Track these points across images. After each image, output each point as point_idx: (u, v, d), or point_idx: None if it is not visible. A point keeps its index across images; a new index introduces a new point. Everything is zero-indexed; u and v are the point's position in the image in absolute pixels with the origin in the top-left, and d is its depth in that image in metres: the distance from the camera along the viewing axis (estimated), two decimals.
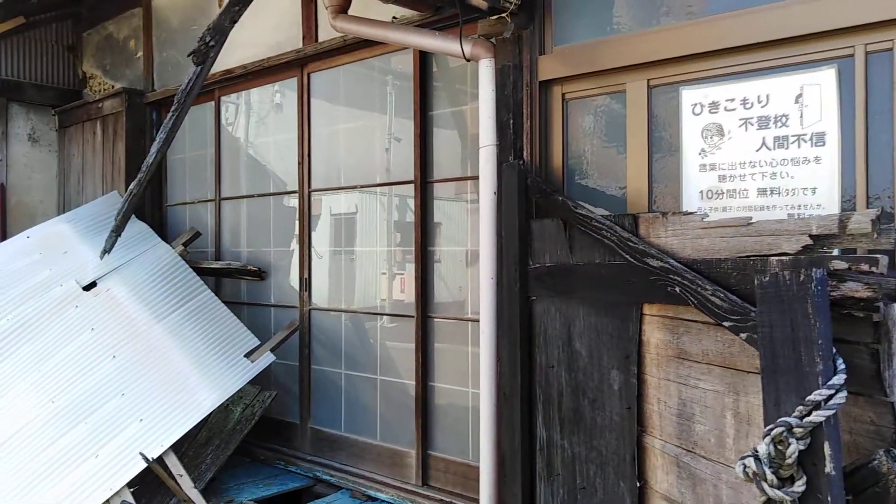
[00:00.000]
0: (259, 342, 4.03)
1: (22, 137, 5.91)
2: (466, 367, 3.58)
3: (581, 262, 2.44)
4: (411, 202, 3.86)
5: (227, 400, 3.81)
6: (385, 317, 4.03)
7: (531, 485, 2.65)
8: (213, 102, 5.00)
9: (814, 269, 1.41)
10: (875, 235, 1.54)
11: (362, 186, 4.16)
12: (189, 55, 3.16)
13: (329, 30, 3.78)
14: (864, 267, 1.49)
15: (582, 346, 2.44)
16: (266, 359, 3.89)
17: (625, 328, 2.25)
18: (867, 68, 2.27)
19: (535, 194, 2.73)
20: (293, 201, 4.49)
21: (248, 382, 3.87)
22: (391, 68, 4.00)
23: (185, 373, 3.76)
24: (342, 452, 4.10)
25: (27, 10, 5.57)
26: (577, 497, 2.44)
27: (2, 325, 3.87)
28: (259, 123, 4.86)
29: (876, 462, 1.38)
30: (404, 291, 3.97)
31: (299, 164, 4.40)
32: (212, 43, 3.13)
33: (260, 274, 4.53)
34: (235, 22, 3.10)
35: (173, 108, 3.37)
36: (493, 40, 3.02)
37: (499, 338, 2.85)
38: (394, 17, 3.72)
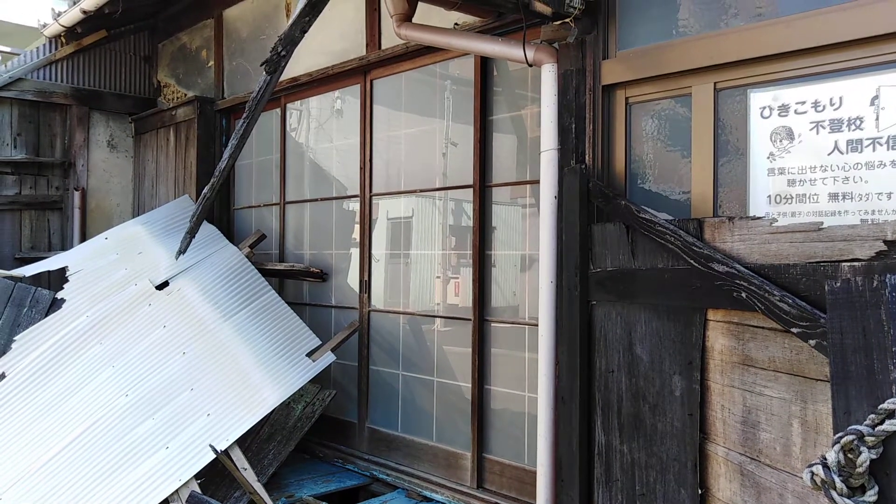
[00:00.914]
0: (320, 342, 4.14)
1: (101, 144, 6.25)
2: (523, 371, 3.59)
3: (643, 266, 2.42)
4: (467, 206, 3.90)
5: (289, 397, 3.93)
6: (442, 319, 4.08)
7: (588, 490, 2.64)
8: (279, 109, 5.18)
9: (888, 275, 1.38)
10: None
11: (421, 191, 4.23)
12: (261, 65, 3.29)
13: (392, 37, 3.88)
14: None
15: (643, 350, 2.42)
16: (327, 358, 4.00)
17: (688, 333, 2.22)
18: None
19: (596, 198, 2.73)
20: (353, 205, 4.60)
21: (308, 381, 3.98)
22: (451, 74, 4.06)
23: (249, 370, 3.90)
24: (398, 452, 4.17)
25: (109, 24, 5.91)
26: (636, 503, 2.42)
27: (81, 321, 4.11)
28: (322, 129, 5.00)
29: None
30: (458, 295, 4.01)
31: (361, 168, 4.51)
32: (283, 52, 3.25)
33: (322, 276, 4.65)
34: (305, 32, 3.21)
35: (244, 115, 3.51)
36: (555, 45, 3.04)
37: (557, 342, 2.86)
38: (455, 24, 3.79)
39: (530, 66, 3.08)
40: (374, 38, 4.40)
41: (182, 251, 3.72)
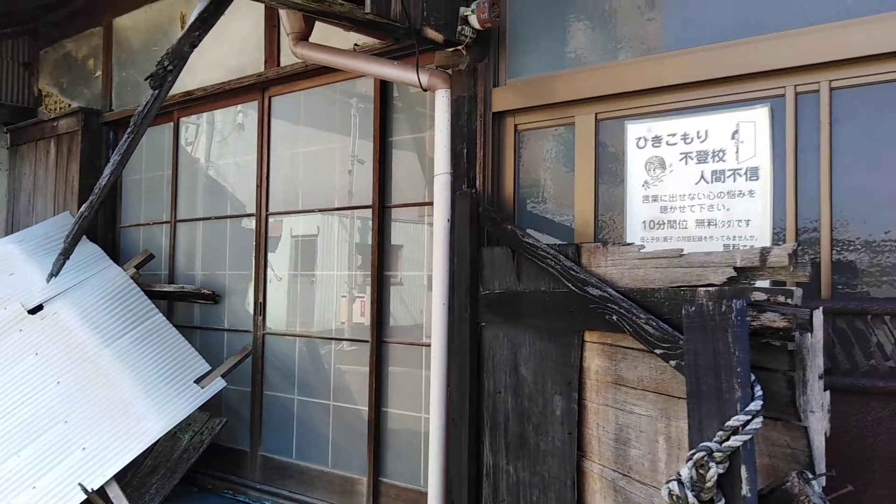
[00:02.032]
0: (210, 367, 3.97)
1: None
2: (421, 393, 3.59)
3: (528, 289, 2.49)
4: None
5: (176, 427, 3.74)
6: (340, 341, 4.02)
7: None
8: (171, 124, 4.98)
9: (734, 301, 1.48)
10: (792, 268, 1.63)
11: (321, 210, 4.17)
12: (146, 79, 3.16)
13: (291, 55, 3.83)
14: (781, 298, 1.57)
15: (528, 371, 2.48)
16: (216, 385, 3.84)
17: (567, 355, 2.30)
18: (797, 108, 2.40)
19: (486, 222, 2.79)
20: (251, 224, 4.48)
21: (197, 409, 3.80)
22: (353, 94, 4.06)
23: (131, 399, 3.68)
24: (292, 480, 4.05)
25: None
26: None
27: None
28: (218, 146, 4.85)
29: (788, 484, 1.44)
30: (364, 315, 3.97)
31: (258, 186, 4.40)
32: (170, 67, 3.14)
33: (214, 297, 4.48)
34: (195, 47, 3.12)
35: (129, 130, 3.35)
36: (449, 71, 3.09)
37: (449, 363, 2.88)
38: (356, 45, 3.79)
39: (424, 90, 3.12)
40: (273, 55, 4.33)
41: (54, 274, 3.48)
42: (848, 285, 2.29)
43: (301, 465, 4.05)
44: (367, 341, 3.79)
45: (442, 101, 3.03)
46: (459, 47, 2.92)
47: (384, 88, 3.83)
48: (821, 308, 1.57)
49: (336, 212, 4.09)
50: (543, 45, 2.98)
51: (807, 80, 2.38)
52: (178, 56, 3.10)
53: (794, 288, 1.57)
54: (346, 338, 3.98)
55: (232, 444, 4.38)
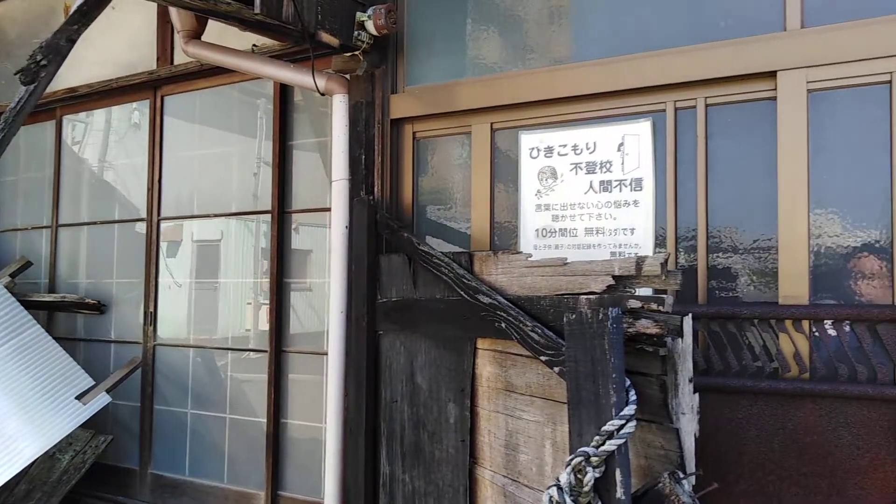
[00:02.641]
0: (94, 382, 3.73)
1: None
2: (322, 403, 3.51)
3: (424, 297, 2.50)
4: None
5: (54, 447, 3.48)
6: (238, 352, 3.88)
7: None
8: (54, 121, 4.65)
9: (610, 308, 1.54)
10: (664, 277, 1.71)
11: (217, 215, 4.01)
12: (16, 73, 2.94)
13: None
14: (654, 306, 1.64)
15: (423, 380, 2.48)
16: (100, 401, 3.61)
17: (461, 362, 2.32)
18: (676, 122, 2.53)
19: (383, 230, 2.78)
20: (143, 229, 4.25)
21: (79, 427, 3.56)
22: (254, 95, 3.93)
23: (3, 418, 3.40)
24: (185, 498, 3.86)
25: None
26: None
27: None
28: (107, 146, 4.57)
29: (661, 485, 1.51)
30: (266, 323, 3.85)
31: (148, 189, 4.19)
32: (43, 62, 2.93)
33: (99, 307, 4.22)
34: (74, 41, 2.93)
35: (0, 128, 3.10)
36: (347, 76, 3.06)
37: (347, 372, 2.84)
38: (254, 46, 3.67)
39: (322, 94, 3.07)
40: (166, 52, 4.13)
41: None
42: (722, 290, 2.44)
43: (195, 481, 3.87)
44: (265, 351, 3.68)
45: (340, 107, 2.99)
46: (357, 52, 2.89)
47: (284, 91, 3.74)
48: (690, 315, 1.66)
49: (235, 217, 3.95)
50: (441, 54, 3.01)
51: (685, 96, 2.52)
52: (54, 51, 2.90)
53: (665, 296, 1.65)
54: (243, 348, 3.84)
55: (119, 462, 4.13)
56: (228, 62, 3.26)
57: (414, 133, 3.04)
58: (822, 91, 2.31)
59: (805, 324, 2.24)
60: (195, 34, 3.37)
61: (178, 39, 3.40)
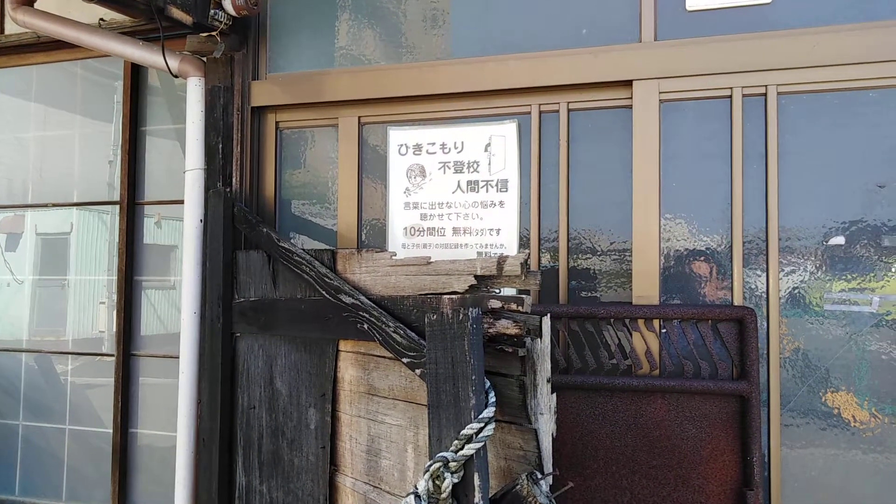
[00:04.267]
0: None
1: None
2: (176, 411, 3.26)
3: (284, 296, 2.37)
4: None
5: None
6: (80, 356, 3.52)
7: None
8: None
9: (470, 309, 1.51)
10: (524, 277, 1.72)
11: (56, 205, 3.62)
12: None
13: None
14: (514, 306, 1.64)
15: (283, 384, 2.35)
16: None
17: (322, 365, 2.22)
18: (541, 125, 2.58)
19: (241, 224, 2.60)
20: None
21: None
22: (103, 76, 3.57)
23: None
24: None
25: None
26: None
27: None
28: None
29: (518, 486, 1.51)
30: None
31: None
32: None
33: None
34: None
35: None
36: (204, 59, 2.84)
37: (200, 378, 2.64)
38: (101, 20, 3.33)
39: (175, 76, 2.83)
40: None
41: None
42: (582, 290, 2.52)
43: (27, 502, 3.47)
44: (112, 355, 3.36)
45: (195, 90, 2.77)
46: (214, 33, 2.69)
47: (137, 72, 3.43)
48: (549, 315, 1.67)
49: (81, 207, 3.57)
50: (308, 42, 2.87)
51: (549, 100, 2.57)
52: None
53: (525, 296, 1.66)
54: (85, 352, 3.49)
55: None
56: (68, 35, 2.93)
57: (277, 123, 2.88)
58: (673, 102, 2.44)
59: (655, 323, 2.35)
60: (26, 0, 3.00)
61: (7, 4, 3.00)
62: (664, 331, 2.35)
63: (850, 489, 2.25)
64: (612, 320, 2.36)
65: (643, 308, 2.33)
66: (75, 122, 3.65)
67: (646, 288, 2.39)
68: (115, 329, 3.39)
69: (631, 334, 2.36)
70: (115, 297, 3.50)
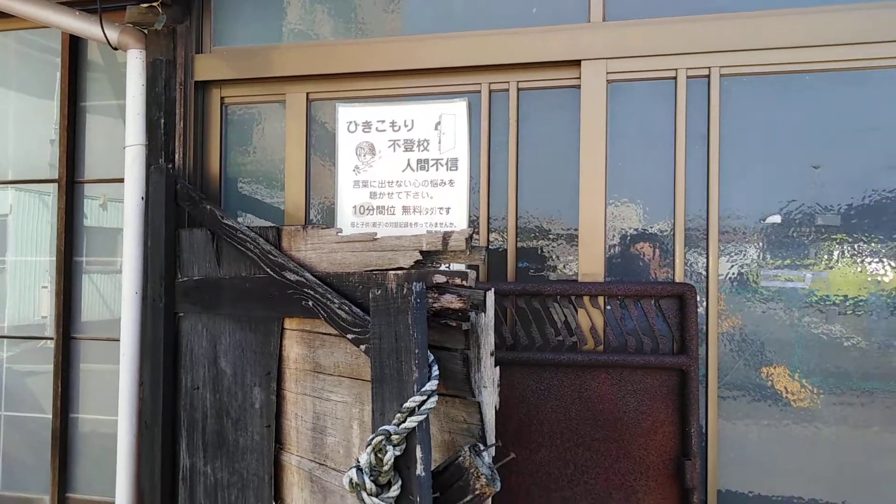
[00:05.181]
0: None
1: None
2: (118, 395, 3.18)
3: (228, 275, 2.32)
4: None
5: None
6: (15, 339, 3.39)
7: None
8: None
9: (414, 283, 1.50)
10: (468, 252, 1.72)
11: None
12: None
13: None
14: (458, 281, 1.65)
15: (227, 364, 2.31)
16: None
17: (267, 343, 2.19)
18: (491, 104, 2.58)
19: (184, 202, 2.54)
20: None
21: None
22: (38, 49, 3.41)
23: None
24: None
25: None
26: None
27: None
28: None
29: (461, 458, 1.52)
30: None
31: None
32: None
33: None
34: None
35: None
36: (145, 31, 2.74)
37: (142, 359, 2.58)
38: None
39: (115, 49, 2.73)
40: None
41: None
42: (530, 268, 2.54)
43: None
44: (51, 338, 3.25)
45: (135, 63, 2.68)
46: (155, 4, 2.60)
47: (76, 44, 3.29)
48: (493, 290, 1.69)
49: (14, 186, 3.42)
50: (254, 14, 2.80)
51: (499, 78, 2.57)
52: None
53: (469, 271, 1.66)
54: (21, 336, 3.36)
55: None
56: None
57: (222, 98, 2.81)
58: (620, 82, 2.47)
59: (600, 300, 2.40)
60: None
61: None
62: (609, 308, 2.39)
63: (783, 456, 2.35)
64: (558, 297, 2.40)
65: (589, 285, 2.37)
66: (9, 98, 3.48)
67: (591, 266, 2.42)
68: (53, 312, 3.27)
69: (577, 311, 2.40)
70: (54, 282, 3.38)
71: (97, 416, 3.25)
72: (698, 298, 2.36)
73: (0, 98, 3.49)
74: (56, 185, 3.32)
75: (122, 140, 3.26)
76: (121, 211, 3.34)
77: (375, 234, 1.90)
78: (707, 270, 2.39)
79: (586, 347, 2.39)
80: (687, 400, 2.25)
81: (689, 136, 2.41)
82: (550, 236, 2.54)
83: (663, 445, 2.28)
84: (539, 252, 2.55)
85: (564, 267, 2.52)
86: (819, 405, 2.33)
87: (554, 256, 2.53)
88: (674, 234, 2.41)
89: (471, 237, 1.71)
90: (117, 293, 3.30)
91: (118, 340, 3.18)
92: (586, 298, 2.39)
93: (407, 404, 1.46)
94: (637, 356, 2.31)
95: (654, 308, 2.35)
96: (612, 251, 2.47)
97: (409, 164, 2.63)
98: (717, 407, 2.36)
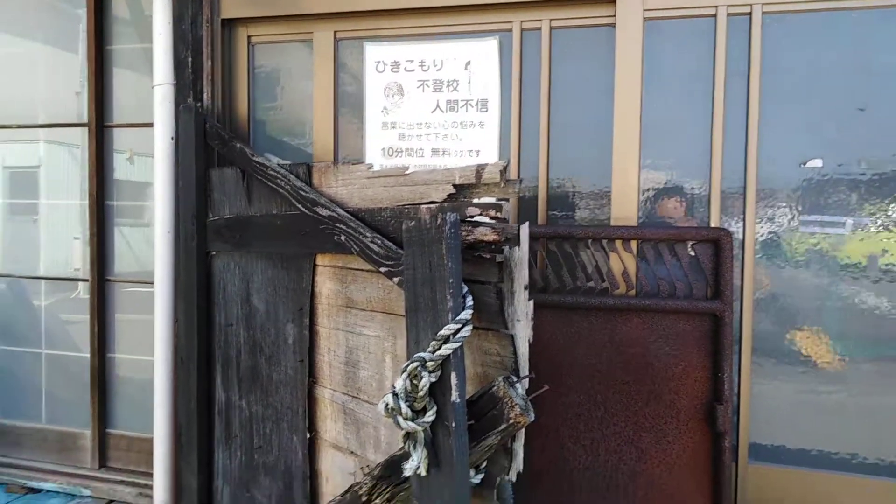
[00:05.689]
0: None
1: None
2: (152, 336, 3.25)
3: (259, 213, 2.33)
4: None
5: None
6: (55, 281, 3.47)
7: (209, 451, 2.50)
8: None
9: (448, 214, 1.49)
10: (503, 185, 1.70)
11: (18, 126, 3.49)
12: None
13: None
14: (492, 212, 1.63)
15: (260, 301, 2.34)
16: None
17: (299, 280, 2.20)
18: (522, 44, 2.51)
19: (214, 141, 2.53)
20: None
21: None
22: (65, 2, 3.40)
23: None
24: None
25: None
26: (253, 457, 2.36)
27: None
28: None
29: (495, 388, 1.53)
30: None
31: None
32: None
33: None
34: None
35: None
36: None
37: (176, 298, 2.62)
38: None
39: None
40: None
41: None
42: (561, 212, 2.51)
43: (5, 423, 3.47)
44: (86, 280, 3.32)
45: (162, 1, 2.65)
46: None
47: None
48: (527, 223, 1.67)
49: (46, 130, 3.45)
50: None
51: (531, 17, 2.50)
52: None
53: (502, 202, 1.64)
54: (60, 277, 3.44)
55: None
56: None
57: (249, 37, 2.78)
58: (657, 20, 2.38)
59: (633, 244, 2.37)
60: None
61: None
62: (641, 252, 2.36)
63: (815, 404, 2.33)
64: (590, 241, 2.37)
65: (622, 229, 2.34)
66: (37, 50, 3.49)
67: (624, 210, 2.39)
68: (88, 254, 3.33)
69: (608, 255, 2.37)
70: (87, 225, 3.42)
71: (132, 355, 3.33)
72: (734, 244, 2.32)
73: (28, 51, 3.49)
74: (86, 129, 3.34)
75: (149, 86, 3.26)
76: (147, 165, 3.37)
77: (407, 168, 1.89)
78: (744, 215, 2.34)
79: (618, 292, 2.37)
80: (720, 345, 2.23)
81: (728, 76, 2.33)
82: (582, 182, 2.49)
83: (695, 390, 2.28)
84: (570, 198, 2.51)
85: (596, 211, 2.49)
86: (857, 359, 2.29)
87: (585, 203, 2.50)
88: (710, 178, 2.36)
89: (505, 169, 1.68)
90: (146, 244, 3.34)
91: (149, 283, 3.24)
92: (619, 242, 2.36)
93: (442, 332, 1.46)
94: (670, 300, 2.28)
95: (688, 252, 2.32)
96: (645, 195, 2.42)
97: (438, 105, 2.59)
98: (752, 353, 2.34)
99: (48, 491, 3.30)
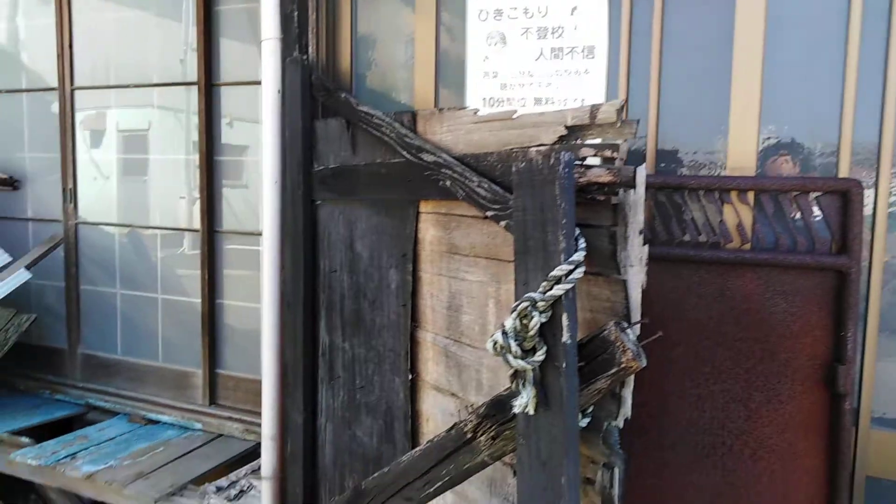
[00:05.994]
0: (11, 258, 3.49)
1: None
2: (259, 285, 3.41)
3: (363, 162, 2.36)
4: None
5: None
6: (167, 231, 3.69)
7: (313, 390, 2.61)
8: None
9: (562, 153, 1.45)
10: (619, 125, 1.63)
11: (136, 86, 3.69)
12: None
13: None
14: (608, 153, 1.57)
15: (363, 248, 2.39)
16: (18, 277, 3.39)
17: (403, 227, 2.23)
18: None
19: (319, 92, 2.58)
20: (55, 100, 3.88)
21: None
22: None
23: None
24: (119, 377, 3.77)
25: None
26: (356, 396, 2.44)
27: None
28: (10, 6, 4.08)
29: (606, 332, 1.49)
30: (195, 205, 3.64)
31: (59, 55, 3.80)
32: None
33: (12, 183, 3.90)
34: None
35: None
36: None
37: (283, 245, 2.72)
38: None
39: None
40: None
41: None
42: (671, 162, 2.40)
43: (129, 360, 3.77)
44: (197, 230, 3.51)
45: None
46: None
47: None
48: (644, 165, 1.60)
49: (159, 90, 3.64)
50: None
51: None
52: None
53: (620, 142, 1.58)
54: (172, 227, 3.65)
55: (46, 342, 3.97)
56: None
57: None
58: None
59: (750, 195, 2.23)
60: None
61: None
62: (759, 203, 2.22)
63: None
64: (702, 191, 2.25)
65: (737, 179, 2.21)
66: (139, 4, 3.64)
67: (741, 160, 2.25)
68: (198, 206, 3.51)
69: (722, 206, 2.25)
70: (193, 193, 3.60)
71: (239, 302, 3.51)
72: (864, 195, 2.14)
73: (141, 21, 3.66)
74: (196, 87, 3.48)
75: (252, 46, 3.35)
76: (245, 129, 3.48)
77: (515, 111, 1.85)
78: (878, 165, 2.15)
79: (731, 245, 2.26)
80: (845, 303, 2.08)
81: (864, 15, 2.12)
82: (694, 133, 2.36)
83: (814, 349, 2.14)
84: (680, 144, 2.39)
85: (708, 160, 2.35)
86: None
87: (697, 156, 2.37)
88: (840, 126, 2.18)
89: (622, 108, 1.61)
90: (244, 202, 3.48)
91: (254, 234, 3.38)
92: (734, 193, 2.23)
93: (553, 273, 1.43)
94: (791, 255, 2.15)
95: (812, 204, 2.16)
96: (766, 143, 2.27)
97: (541, 53, 2.51)
98: (879, 312, 2.17)
99: (164, 423, 3.57)
